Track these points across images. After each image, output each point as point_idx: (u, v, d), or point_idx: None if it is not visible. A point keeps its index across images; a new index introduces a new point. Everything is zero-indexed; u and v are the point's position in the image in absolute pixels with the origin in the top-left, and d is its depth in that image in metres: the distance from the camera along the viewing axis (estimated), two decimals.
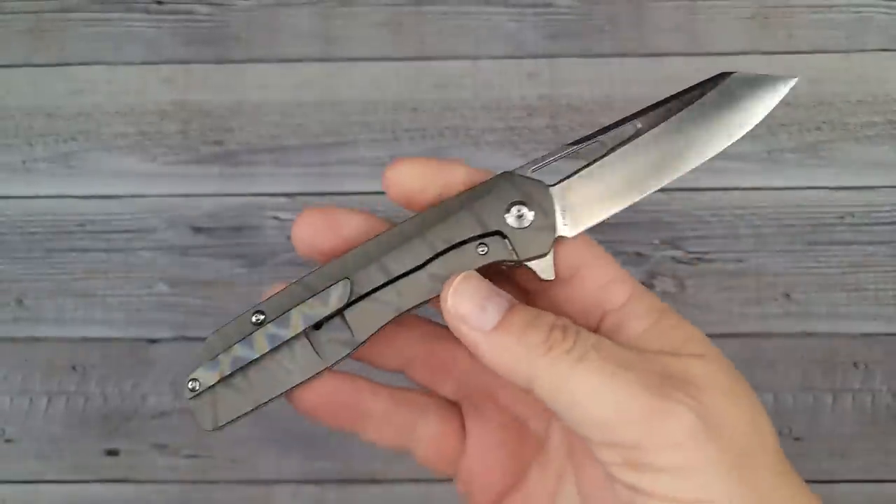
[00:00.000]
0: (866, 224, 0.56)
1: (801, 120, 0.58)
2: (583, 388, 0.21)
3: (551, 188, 0.26)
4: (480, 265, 0.25)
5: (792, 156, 0.57)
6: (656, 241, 0.56)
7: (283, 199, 0.58)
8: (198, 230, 0.58)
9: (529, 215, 0.25)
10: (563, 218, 0.26)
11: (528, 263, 0.25)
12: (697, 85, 0.26)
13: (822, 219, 0.56)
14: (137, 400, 0.56)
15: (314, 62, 0.60)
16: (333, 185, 0.58)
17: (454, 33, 0.60)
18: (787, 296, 0.56)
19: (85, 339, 0.57)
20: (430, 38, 0.60)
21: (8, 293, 0.58)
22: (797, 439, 0.55)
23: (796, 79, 0.26)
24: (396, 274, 0.25)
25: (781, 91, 0.26)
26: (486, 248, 0.25)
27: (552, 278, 0.25)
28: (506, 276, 0.27)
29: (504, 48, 0.59)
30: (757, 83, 0.26)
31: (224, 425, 0.26)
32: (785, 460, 0.23)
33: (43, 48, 0.61)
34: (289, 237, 0.58)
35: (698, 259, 0.56)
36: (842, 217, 0.56)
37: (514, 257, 0.25)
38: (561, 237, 0.25)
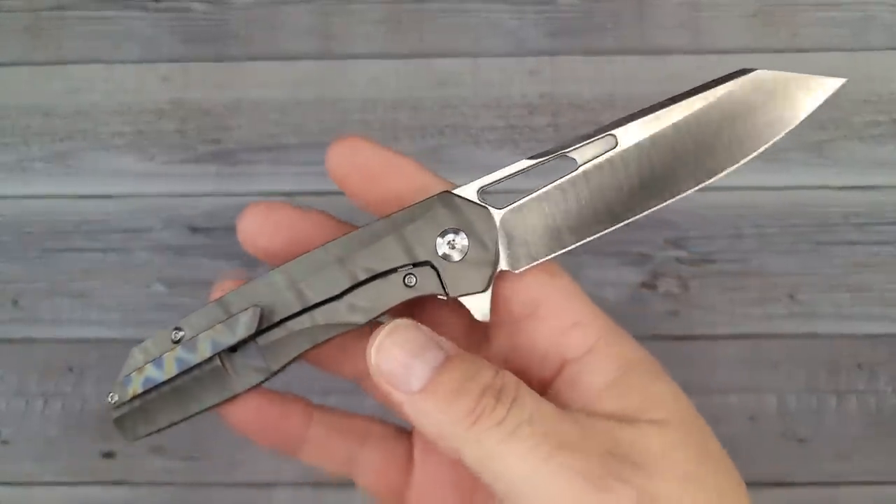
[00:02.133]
0: (871, 224, 0.56)
1: (806, 119, 0.57)
2: (513, 468, 0.18)
3: (498, 213, 0.23)
4: (406, 299, 0.22)
5: (796, 155, 0.57)
6: (660, 242, 0.56)
7: (281, 199, 0.58)
8: (195, 230, 0.58)
9: (463, 245, 0.22)
10: (509, 249, 0.22)
11: (462, 299, 0.22)
12: (711, 83, 0.22)
13: (826, 218, 0.56)
14: None
15: (313, 60, 0.60)
16: (332, 185, 0.58)
17: (454, 30, 0.60)
18: (792, 296, 0.55)
19: (81, 340, 0.57)
20: (429, 35, 0.60)
21: (4, 294, 0.58)
22: (801, 441, 0.54)
23: (842, 81, 0.23)
24: (312, 302, 0.23)
25: (817, 96, 0.22)
26: (414, 279, 0.22)
27: (486, 320, 0.22)
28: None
29: (505, 46, 0.59)
30: (787, 85, 0.23)
31: (144, 436, 0.25)
32: None
33: (40, 46, 0.60)
34: None
35: (702, 259, 0.56)
36: (846, 217, 0.56)
37: (443, 293, 0.22)
38: (504, 272, 0.22)
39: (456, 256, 0.22)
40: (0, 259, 0.58)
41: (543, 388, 0.22)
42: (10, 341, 0.57)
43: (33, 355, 0.57)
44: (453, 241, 0.22)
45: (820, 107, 0.58)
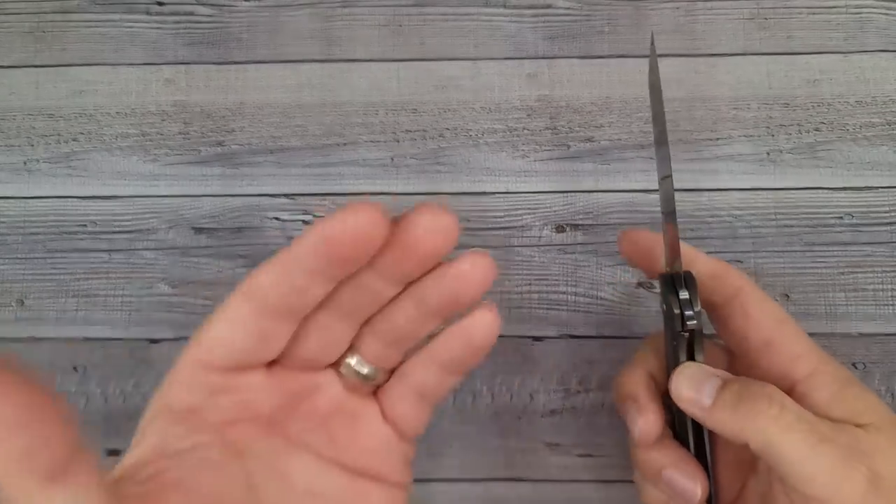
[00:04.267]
0: (865, 225, 0.56)
1: (800, 121, 0.58)
2: (790, 454, 0.26)
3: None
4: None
5: (790, 156, 0.57)
6: None
7: (284, 200, 0.58)
8: (199, 231, 0.58)
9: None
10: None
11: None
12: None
13: (820, 219, 0.57)
14: (139, 400, 0.56)
15: (315, 63, 0.60)
16: (334, 186, 0.58)
17: (454, 35, 0.60)
18: (786, 296, 0.56)
19: (86, 340, 0.57)
20: (430, 39, 0.60)
21: (9, 293, 0.58)
22: None
23: None
24: None
25: None
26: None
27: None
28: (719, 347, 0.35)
29: (504, 50, 0.59)
30: None
31: None
32: None
33: (44, 49, 0.61)
34: (289, 238, 0.58)
35: None
36: (840, 218, 0.57)
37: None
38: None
39: None
40: (5, 259, 0.58)
41: None
42: (15, 340, 0.57)
43: (38, 355, 0.57)
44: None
45: (815, 109, 0.59)
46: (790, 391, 0.30)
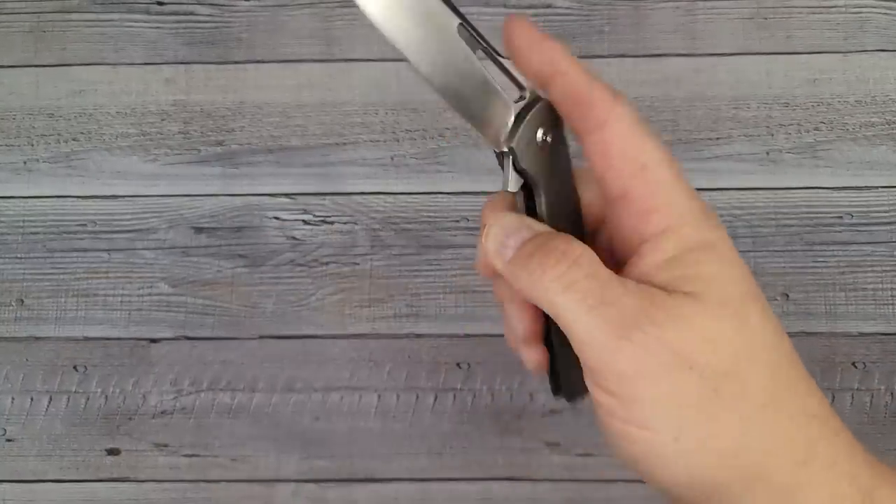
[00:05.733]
0: (864, 224, 0.57)
1: (800, 120, 0.58)
2: (566, 314, 0.23)
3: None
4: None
5: (790, 156, 0.57)
6: None
7: (284, 200, 0.58)
8: (199, 230, 0.58)
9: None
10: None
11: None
12: None
13: (820, 219, 0.57)
14: (138, 399, 0.56)
15: (315, 63, 0.60)
16: (334, 186, 0.58)
17: None
18: (786, 295, 0.56)
19: (86, 339, 0.57)
20: None
21: (9, 293, 0.58)
22: None
23: None
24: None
25: None
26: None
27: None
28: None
29: (503, 49, 0.59)
30: None
31: None
32: (786, 398, 0.24)
33: (44, 49, 0.61)
34: (289, 237, 0.58)
35: None
36: (840, 217, 0.57)
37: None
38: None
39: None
40: (6, 259, 0.58)
41: (623, 260, 0.26)
42: (15, 340, 0.58)
43: (38, 354, 0.57)
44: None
45: (814, 108, 0.59)
46: (634, 252, 0.25)
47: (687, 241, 0.24)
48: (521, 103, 0.27)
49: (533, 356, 0.30)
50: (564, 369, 0.29)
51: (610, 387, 0.23)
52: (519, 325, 0.29)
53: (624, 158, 0.25)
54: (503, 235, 0.26)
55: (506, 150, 0.27)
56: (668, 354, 0.22)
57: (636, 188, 0.25)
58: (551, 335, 0.29)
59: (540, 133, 0.27)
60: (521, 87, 0.27)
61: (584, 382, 0.26)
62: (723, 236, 0.25)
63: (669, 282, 0.24)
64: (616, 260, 0.26)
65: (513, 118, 0.27)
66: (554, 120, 0.27)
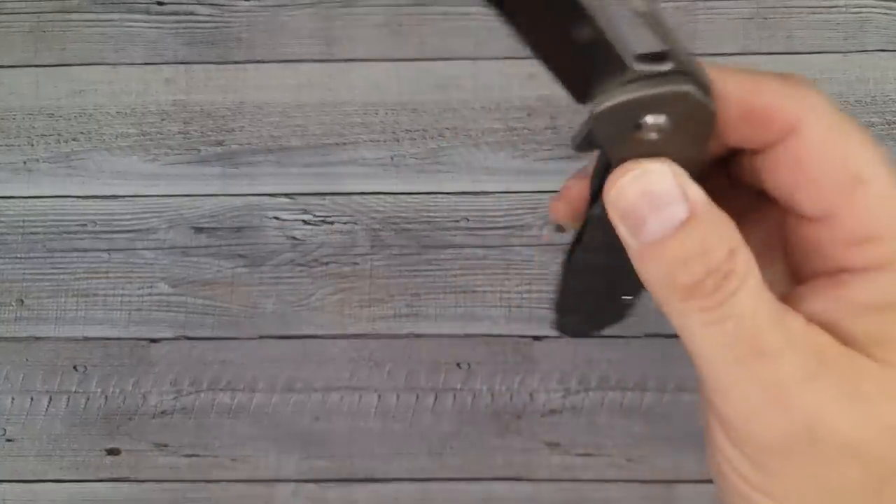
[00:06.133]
0: None
1: None
2: (705, 353, 0.18)
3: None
4: None
5: None
6: None
7: (284, 200, 0.58)
8: (199, 230, 0.58)
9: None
10: None
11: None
12: None
13: None
14: (138, 399, 0.56)
15: (315, 63, 0.60)
16: (334, 186, 0.58)
17: (454, 34, 0.60)
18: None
19: (86, 339, 0.57)
20: (430, 39, 0.60)
21: (9, 293, 0.58)
22: None
23: None
24: None
25: None
26: None
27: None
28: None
29: (504, 49, 0.59)
30: None
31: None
32: None
33: (44, 49, 0.61)
34: (289, 237, 0.58)
35: None
36: None
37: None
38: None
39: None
40: (5, 259, 0.58)
41: (806, 276, 0.20)
42: (15, 340, 0.58)
43: (38, 354, 0.57)
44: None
45: None
46: (828, 277, 0.19)
47: None
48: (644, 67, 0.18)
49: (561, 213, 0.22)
50: (574, 311, 0.24)
51: (751, 453, 0.18)
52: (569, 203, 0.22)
53: (828, 171, 0.18)
54: (646, 206, 0.18)
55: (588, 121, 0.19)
56: (828, 435, 0.17)
57: (848, 210, 0.18)
58: (573, 267, 0.22)
59: (649, 120, 0.18)
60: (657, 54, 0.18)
61: (590, 327, 0.23)
62: None
63: (866, 336, 0.18)
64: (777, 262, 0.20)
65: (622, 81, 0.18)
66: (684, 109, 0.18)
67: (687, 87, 0.18)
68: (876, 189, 0.18)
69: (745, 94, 0.18)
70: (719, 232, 0.18)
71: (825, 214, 0.19)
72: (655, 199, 0.18)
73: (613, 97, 0.18)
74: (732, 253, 0.18)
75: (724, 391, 0.18)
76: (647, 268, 0.19)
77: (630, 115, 0.18)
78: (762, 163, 0.19)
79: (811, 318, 0.18)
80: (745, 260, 0.18)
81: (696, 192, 0.18)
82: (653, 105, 0.18)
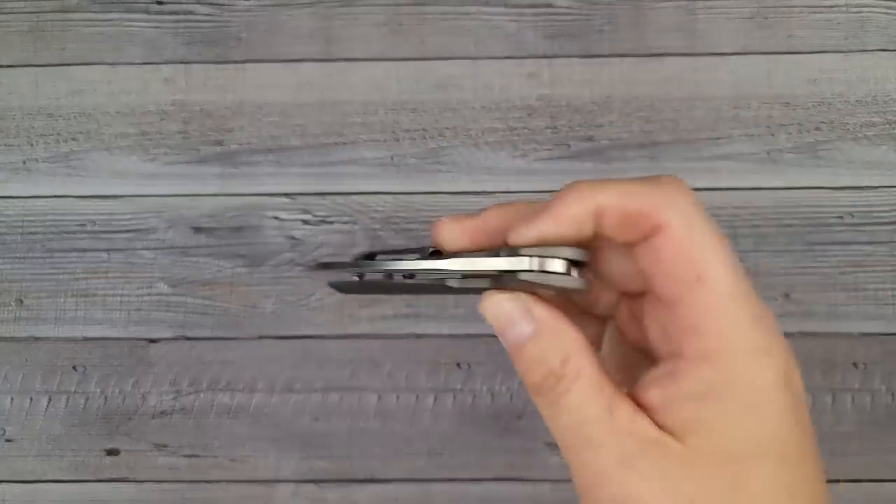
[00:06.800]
0: (865, 224, 0.56)
1: (801, 120, 0.58)
2: (557, 436, 0.23)
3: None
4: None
5: (791, 156, 0.57)
6: None
7: (283, 200, 0.58)
8: (198, 230, 0.58)
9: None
10: None
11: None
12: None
13: (821, 219, 0.56)
14: (138, 399, 0.56)
15: (314, 62, 0.60)
16: (334, 186, 0.58)
17: (454, 34, 0.60)
18: (787, 296, 0.56)
19: (85, 339, 0.57)
20: (430, 38, 0.60)
21: (8, 293, 0.58)
22: None
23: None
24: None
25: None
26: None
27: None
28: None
29: (504, 48, 0.59)
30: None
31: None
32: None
33: (43, 48, 0.61)
34: (288, 237, 0.58)
35: None
36: (841, 217, 0.57)
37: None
38: None
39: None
40: (5, 259, 0.58)
41: (656, 357, 0.24)
42: (14, 340, 0.57)
43: (38, 354, 0.57)
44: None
45: (815, 108, 0.59)
46: (669, 362, 0.23)
47: (722, 377, 0.22)
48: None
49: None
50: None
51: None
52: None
53: (678, 267, 0.22)
54: (504, 324, 0.24)
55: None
56: (650, 497, 0.21)
57: (687, 303, 0.22)
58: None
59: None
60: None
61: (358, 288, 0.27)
62: (774, 368, 0.22)
63: (682, 422, 0.22)
64: (646, 335, 0.24)
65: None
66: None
67: (522, 275, 0.24)
68: (713, 289, 0.22)
69: (619, 203, 0.22)
70: (556, 344, 0.23)
71: (672, 302, 0.23)
72: (508, 318, 0.24)
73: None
74: (565, 361, 0.23)
75: (571, 466, 0.22)
76: (514, 363, 0.24)
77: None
78: (638, 256, 0.23)
79: (648, 405, 0.22)
80: (576, 366, 0.23)
81: (541, 312, 0.24)
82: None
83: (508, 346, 0.24)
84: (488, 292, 0.24)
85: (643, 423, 0.22)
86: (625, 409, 0.22)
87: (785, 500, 0.22)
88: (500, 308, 0.24)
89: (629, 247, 0.23)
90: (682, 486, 0.21)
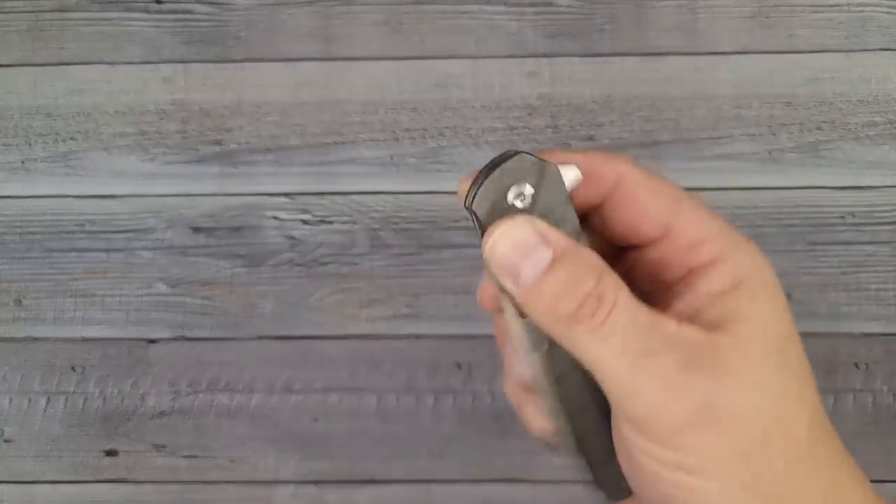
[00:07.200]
0: (867, 224, 0.56)
1: (802, 120, 0.58)
2: (605, 367, 0.22)
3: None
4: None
5: (793, 155, 0.57)
6: None
7: (282, 199, 0.58)
8: (197, 230, 0.58)
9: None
10: None
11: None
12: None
13: (822, 219, 0.56)
14: (136, 400, 0.56)
15: (314, 62, 0.60)
16: (333, 185, 0.58)
17: (454, 32, 0.60)
18: (789, 296, 0.56)
19: (84, 340, 0.57)
20: (429, 37, 0.60)
21: (7, 293, 0.58)
22: None
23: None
24: None
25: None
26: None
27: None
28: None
29: (504, 47, 0.59)
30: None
31: None
32: (821, 441, 0.23)
33: (42, 48, 0.60)
34: (288, 237, 0.58)
35: None
36: (842, 217, 0.56)
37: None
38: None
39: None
40: (3, 259, 0.58)
41: (667, 288, 0.25)
42: (13, 340, 0.57)
43: (36, 354, 0.57)
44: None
45: (817, 108, 0.59)
46: (682, 281, 0.24)
47: (739, 272, 0.23)
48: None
49: (540, 420, 0.28)
50: (598, 460, 0.27)
51: (659, 437, 0.22)
52: (527, 370, 0.27)
53: (658, 196, 0.24)
54: (517, 256, 0.22)
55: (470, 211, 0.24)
56: (718, 406, 0.22)
57: (679, 222, 0.24)
58: (577, 420, 0.26)
59: (512, 193, 0.23)
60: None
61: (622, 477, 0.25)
62: (768, 264, 0.24)
63: (720, 318, 0.23)
64: (644, 294, 0.24)
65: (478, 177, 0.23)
66: (532, 173, 0.24)
67: (521, 153, 0.23)
68: (692, 204, 0.24)
69: (581, 164, 0.24)
70: (584, 264, 0.22)
71: (664, 230, 0.24)
72: (521, 247, 0.22)
73: (478, 184, 0.23)
74: (600, 278, 0.22)
75: (628, 394, 0.22)
76: (534, 308, 0.22)
77: (496, 192, 0.23)
78: (609, 212, 0.24)
79: (678, 318, 0.23)
80: (613, 281, 0.22)
81: (557, 236, 0.23)
82: (507, 177, 0.23)
83: (524, 283, 0.22)
84: (495, 223, 0.23)
85: (689, 328, 0.22)
86: (669, 319, 0.22)
87: (808, 371, 0.23)
88: (515, 234, 0.22)
89: (601, 203, 0.24)
90: (749, 376, 0.22)
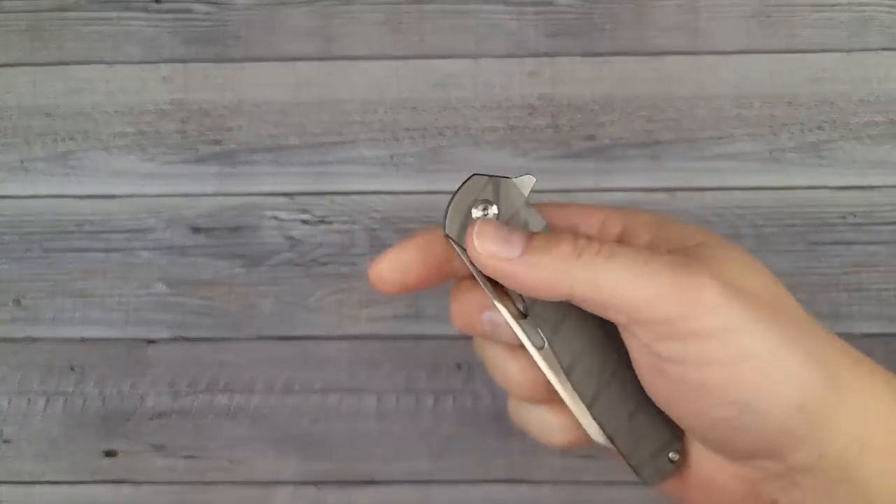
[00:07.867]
0: (868, 224, 0.56)
1: (803, 119, 0.57)
2: (620, 279, 0.23)
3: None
4: None
5: (793, 155, 0.57)
6: None
7: (282, 199, 0.58)
8: (196, 230, 0.58)
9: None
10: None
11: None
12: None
13: (823, 219, 0.56)
14: (136, 400, 0.56)
15: (313, 61, 0.60)
16: (333, 185, 0.58)
17: (454, 32, 0.60)
18: None
19: (83, 340, 0.57)
20: (429, 36, 0.60)
21: (5, 293, 0.58)
22: None
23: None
24: None
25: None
26: None
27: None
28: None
29: (504, 47, 0.59)
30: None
31: None
32: (813, 319, 0.26)
33: (41, 47, 0.60)
34: (287, 237, 0.58)
35: None
36: (844, 217, 0.56)
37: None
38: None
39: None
40: (2, 259, 0.58)
41: None
42: (11, 341, 0.57)
43: (35, 355, 0.57)
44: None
45: (818, 107, 0.59)
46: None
47: (650, 222, 0.27)
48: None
49: (554, 418, 0.30)
50: (629, 441, 0.27)
51: (673, 332, 0.23)
52: (521, 376, 0.29)
53: (551, 208, 0.30)
54: (500, 238, 0.25)
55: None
56: (735, 284, 0.23)
57: (576, 216, 0.31)
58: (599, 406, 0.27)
59: (476, 211, 0.27)
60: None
61: (665, 443, 0.27)
62: (656, 213, 0.28)
63: (673, 246, 0.26)
64: None
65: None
66: (491, 191, 0.27)
67: (475, 174, 0.27)
68: (579, 205, 0.32)
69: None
70: (574, 215, 0.30)
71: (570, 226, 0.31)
72: (499, 235, 0.26)
73: (445, 212, 0.27)
74: (589, 225, 0.29)
75: (644, 299, 0.23)
76: (537, 263, 0.25)
77: (461, 213, 0.27)
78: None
79: None
80: (598, 220, 0.30)
81: (520, 231, 0.27)
82: (466, 198, 0.27)
83: (519, 249, 0.25)
84: (470, 226, 0.26)
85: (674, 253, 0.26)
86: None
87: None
88: (486, 228, 0.26)
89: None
90: (737, 263, 0.25)
